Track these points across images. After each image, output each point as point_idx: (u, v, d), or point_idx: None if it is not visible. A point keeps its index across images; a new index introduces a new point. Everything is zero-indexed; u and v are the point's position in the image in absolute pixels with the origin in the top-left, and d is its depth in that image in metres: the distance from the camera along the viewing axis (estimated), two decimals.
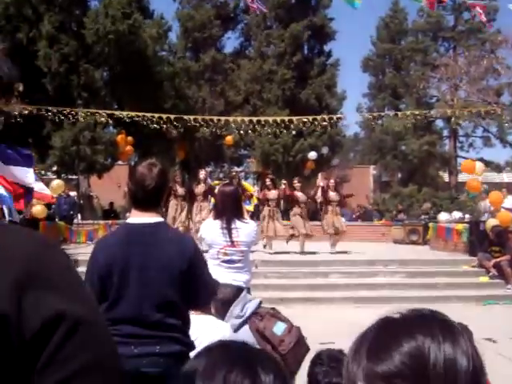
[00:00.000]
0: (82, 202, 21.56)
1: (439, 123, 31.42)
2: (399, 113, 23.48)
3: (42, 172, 21.54)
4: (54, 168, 21.56)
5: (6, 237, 0.77)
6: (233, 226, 4.46)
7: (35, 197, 9.21)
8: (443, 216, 17.46)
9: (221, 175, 29.80)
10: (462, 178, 32.03)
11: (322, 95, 25.83)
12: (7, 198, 7.59)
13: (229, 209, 4.52)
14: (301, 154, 24.22)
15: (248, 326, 3.37)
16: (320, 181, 13.28)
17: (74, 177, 22.60)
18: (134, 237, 2.72)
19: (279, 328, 3.35)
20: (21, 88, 15.77)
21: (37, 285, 0.72)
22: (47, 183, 12.64)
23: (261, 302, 3.54)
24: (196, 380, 0.97)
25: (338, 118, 21.37)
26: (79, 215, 20.17)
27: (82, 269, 2.53)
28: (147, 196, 2.76)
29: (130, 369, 2.61)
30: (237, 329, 3.35)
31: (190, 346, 2.73)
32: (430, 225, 16.17)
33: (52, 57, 19.05)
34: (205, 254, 3.25)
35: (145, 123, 17.99)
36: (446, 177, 32.04)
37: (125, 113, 18.32)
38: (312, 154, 23.14)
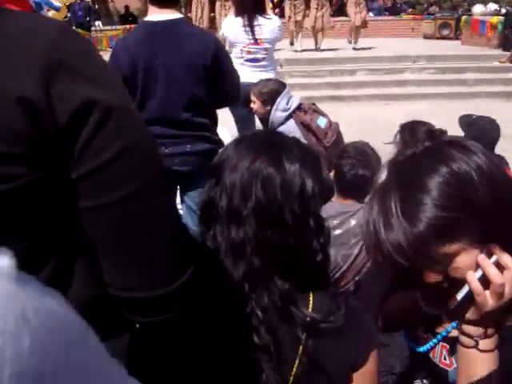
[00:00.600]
0: (97, 6, 20.66)
1: None
2: None
3: None
4: None
5: (22, 22, 0.72)
6: (255, 22, 4.25)
7: None
8: (478, 8, 16.37)
9: None
10: None
11: None
12: None
13: (250, 4, 4.27)
14: None
15: (293, 120, 3.44)
16: None
17: None
18: (156, 34, 2.61)
19: (322, 122, 3.46)
20: None
21: (64, 72, 0.69)
22: None
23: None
24: (223, 170, 0.98)
25: None
26: (100, 22, 19.51)
27: None
28: None
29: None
30: (284, 122, 3.43)
31: (220, 143, 2.79)
32: (463, 18, 15.26)
33: None
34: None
35: None
36: None
37: None
38: None
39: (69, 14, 15.71)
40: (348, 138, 3.69)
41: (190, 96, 2.66)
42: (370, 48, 12.81)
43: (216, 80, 2.71)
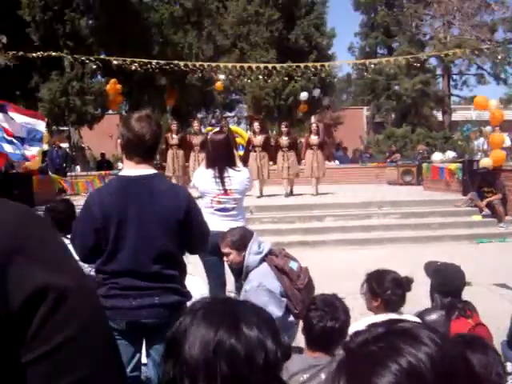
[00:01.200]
0: (74, 153, 21.39)
1: (432, 61, 30.94)
2: (391, 58, 22.81)
3: None
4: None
5: None
6: (225, 174, 4.44)
7: None
8: (437, 156, 17.43)
9: (213, 121, 29.51)
10: (455, 116, 31.90)
11: (311, 35, 25.30)
12: None
13: (220, 157, 4.48)
14: (292, 97, 23.92)
15: (266, 263, 3.49)
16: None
17: (65, 128, 22.32)
18: (131, 189, 2.70)
19: (294, 265, 3.55)
20: (4, 40, 15.36)
21: (21, 256, 0.71)
22: None
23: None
24: (181, 344, 0.97)
25: (328, 66, 20.93)
26: (78, 167, 20.07)
27: None
28: (146, 149, 2.74)
29: (130, 320, 2.66)
30: (257, 265, 3.47)
31: (187, 295, 2.78)
32: (424, 165, 16.18)
33: (35, 5, 18.48)
34: (198, 201, 3.27)
35: (133, 67, 17.66)
36: (439, 116, 31.79)
37: (112, 58, 17.93)
38: (303, 95, 22.94)
39: (47, 159, 16.20)
40: (317, 280, 3.74)
41: (162, 249, 2.71)
42: (335, 194, 13.31)
43: (186, 232, 2.78)
